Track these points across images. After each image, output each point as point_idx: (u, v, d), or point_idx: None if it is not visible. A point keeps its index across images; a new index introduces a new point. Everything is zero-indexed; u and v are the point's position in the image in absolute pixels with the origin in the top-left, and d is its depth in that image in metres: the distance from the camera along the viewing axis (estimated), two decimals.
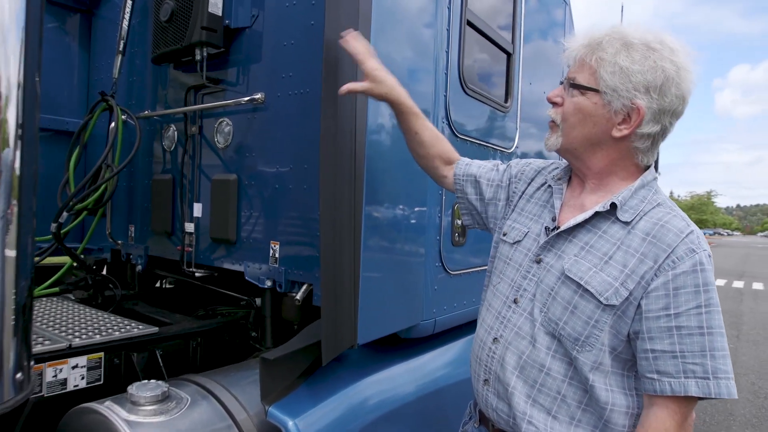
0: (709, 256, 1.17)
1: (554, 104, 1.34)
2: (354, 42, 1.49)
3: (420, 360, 2.02)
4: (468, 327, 2.37)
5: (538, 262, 1.33)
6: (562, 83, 1.34)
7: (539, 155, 2.94)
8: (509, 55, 2.50)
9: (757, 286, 17.51)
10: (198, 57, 2.34)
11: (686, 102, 1.23)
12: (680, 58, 1.19)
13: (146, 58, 2.88)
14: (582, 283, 1.21)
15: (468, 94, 2.13)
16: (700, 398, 1.13)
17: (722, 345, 1.13)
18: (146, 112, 2.82)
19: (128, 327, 1.99)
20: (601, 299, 1.19)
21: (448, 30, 1.97)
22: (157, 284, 3.20)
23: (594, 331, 1.20)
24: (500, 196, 1.58)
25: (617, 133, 1.24)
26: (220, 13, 2.32)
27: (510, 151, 2.54)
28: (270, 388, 1.55)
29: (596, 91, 1.24)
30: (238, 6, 2.35)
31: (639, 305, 1.17)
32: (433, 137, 1.65)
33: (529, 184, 1.53)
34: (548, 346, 1.26)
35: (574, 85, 1.27)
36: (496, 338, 1.36)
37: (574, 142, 1.30)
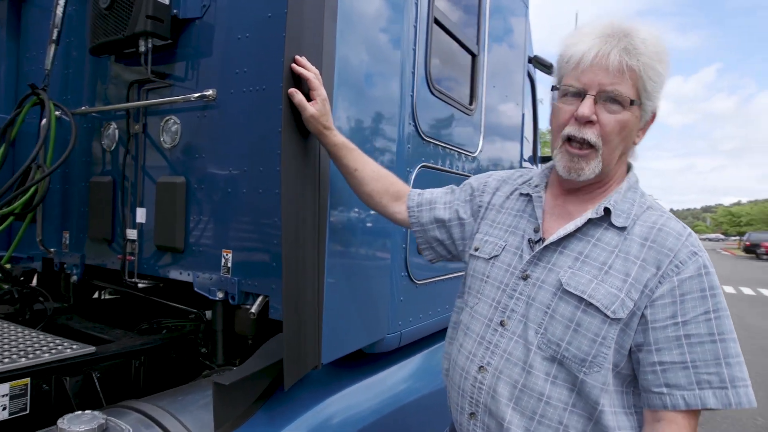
0: (707, 257, 1.12)
1: (587, 124, 1.15)
2: (308, 65, 1.37)
3: (385, 374, 1.91)
4: (432, 337, 2.28)
5: (525, 278, 1.22)
6: (581, 95, 1.15)
7: (502, 159, 2.90)
8: (474, 57, 2.44)
9: None
10: (142, 49, 2.14)
11: None
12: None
13: (83, 49, 2.65)
14: (585, 297, 1.11)
15: (435, 95, 2.04)
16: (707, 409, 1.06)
17: (736, 351, 1.07)
18: (83, 107, 2.59)
19: (60, 347, 1.77)
20: (608, 313, 1.09)
21: (415, 27, 1.87)
22: (95, 295, 2.94)
23: (602, 349, 1.10)
24: (463, 214, 1.46)
25: (638, 140, 1.18)
26: (167, 2, 2.14)
27: (474, 154, 2.47)
28: (224, 416, 1.39)
29: (638, 103, 1.13)
30: None
31: (643, 315, 1.10)
32: (376, 172, 1.51)
33: (493, 194, 1.43)
34: (547, 372, 1.14)
35: (619, 101, 1.12)
36: (482, 366, 1.22)
37: (612, 161, 1.18)
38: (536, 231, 1.26)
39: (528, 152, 3.65)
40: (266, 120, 1.94)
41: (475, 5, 2.44)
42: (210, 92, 2.08)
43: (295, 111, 1.39)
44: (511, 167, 3.06)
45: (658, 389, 1.08)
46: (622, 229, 1.15)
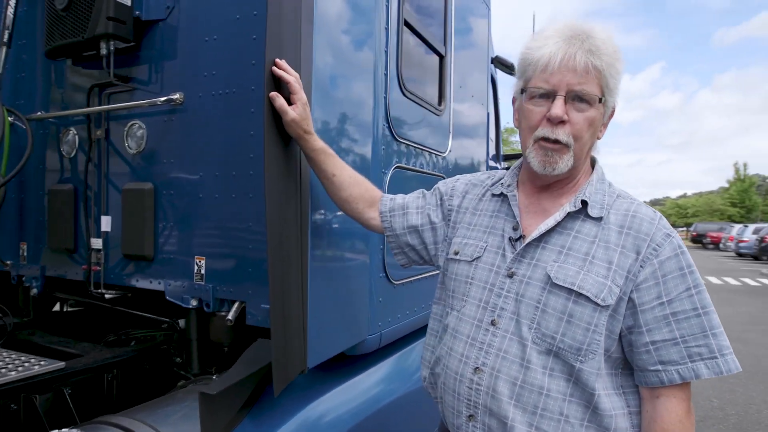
0: (680, 238, 1.19)
1: (559, 123, 1.19)
2: (289, 69, 1.36)
3: (368, 374, 1.91)
4: (410, 336, 2.30)
5: (511, 276, 1.24)
6: (550, 97, 1.19)
7: (470, 158, 2.95)
8: (441, 58, 2.47)
9: None
10: (104, 52, 2.07)
11: None
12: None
13: (37, 52, 2.54)
14: (575, 288, 1.15)
15: (406, 96, 2.06)
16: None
17: (717, 322, 1.14)
18: (38, 113, 2.48)
19: (27, 364, 1.69)
20: (598, 301, 1.14)
21: (386, 29, 1.88)
22: (56, 308, 2.82)
23: (595, 336, 1.15)
24: (435, 218, 1.49)
25: (601, 135, 1.24)
26: (129, 3, 2.07)
27: (444, 154, 2.50)
28: (212, 426, 1.35)
29: (602, 99, 1.19)
30: None
31: (630, 299, 1.16)
32: (353, 177, 1.51)
33: (463, 197, 1.46)
34: (544, 365, 1.18)
35: (586, 100, 1.17)
36: (477, 367, 1.23)
37: (582, 157, 1.24)
38: (515, 229, 1.29)
39: (492, 151, 3.72)
40: (238, 123, 1.91)
41: (441, 7, 2.47)
42: (177, 96, 2.04)
43: (276, 115, 1.37)
44: (478, 165, 3.11)
45: (653, 367, 1.14)
46: (599, 219, 1.21)
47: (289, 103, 1.36)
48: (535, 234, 1.23)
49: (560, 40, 1.18)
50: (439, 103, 2.45)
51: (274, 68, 1.32)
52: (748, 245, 25.79)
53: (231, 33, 1.94)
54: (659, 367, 1.14)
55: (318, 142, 1.42)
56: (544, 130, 1.20)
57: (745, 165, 55.26)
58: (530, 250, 1.24)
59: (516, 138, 18.97)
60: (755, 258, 24.73)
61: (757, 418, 5.10)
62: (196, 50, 2.03)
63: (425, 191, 1.57)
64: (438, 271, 2.51)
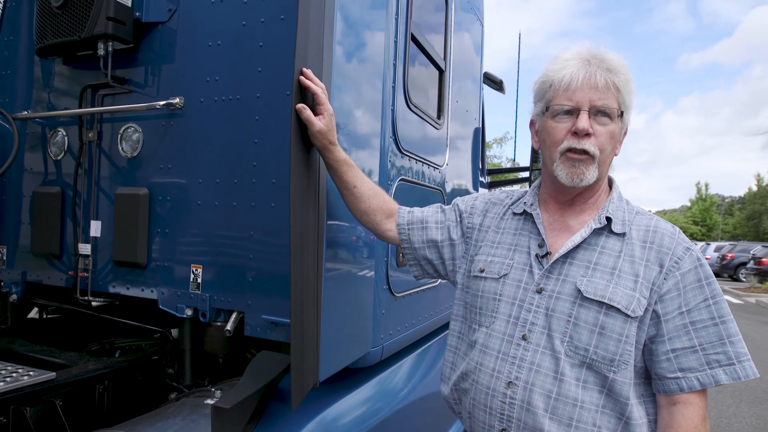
0: (698, 250, 1.25)
1: (586, 136, 1.24)
2: (315, 80, 1.34)
3: (370, 387, 1.89)
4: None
5: (540, 291, 1.27)
6: (573, 113, 1.25)
7: (463, 172, 2.97)
8: (441, 72, 2.49)
9: None
10: (101, 52, 2.02)
11: None
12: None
13: (26, 49, 2.45)
14: (606, 300, 1.19)
15: (411, 109, 2.06)
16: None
17: (735, 330, 1.19)
18: (24, 112, 2.40)
19: (15, 374, 1.61)
20: (629, 312, 1.18)
21: (395, 42, 1.89)
22: (33, 314, 2.71)
23: (626, 347, 1.19)
24: (454, 235, 1.50)
25: (618, 150, 1.29)
26: (129, 4, 2.03)
27: (442, 167, 2.51)
28: None
29: (622, 114, 1.25)
30: None
31: (654, 310, 1.20)
32: (373, 189, 1.51)
33: (484, 216, 1.49)
34: (578, 378, 1.20)
35: (607, 113, 1.24)
36: (510, 382, 1.24)
37: (604, 171, 1.29)
38: (541, 246, 1.31)
39: (479, 165, 3.76)
40: (241, 130, 1.88)
41: (442, 23, 2.50)
42: (177, 100, 2.00)
43: (301, 125, 1.35)
44: (469, 179, 3.14)
45: (673, 374, 1.18)
46: (622, 234, 1.26)
47: (315, 114, 1.34)
48: (562, 250, 1.26)
49: (579, 61, 1.26)
50: (438, 117, 2.47)
51: (302, 78, 1.31)
52: (710, 263, 26.68)
53: (236, 39, 1.91)
54: (679, 374, 1.17)
55: (341, 153, 1.41)
56: (571, 142, 1.25)
57: (706, 185, 57.43)
58: (557, 266, 1.27)
59: (491, 152, 19.24)
60: (717, 275, 25.59)
61: None
62: (199, 55, 1.99)
63: (443, 206, 1.57)
64: (436, 283, 2.53)
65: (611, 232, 1.27)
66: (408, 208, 1.58)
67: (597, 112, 1.24)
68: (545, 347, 1.24)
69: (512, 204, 1.45)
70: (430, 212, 1.55)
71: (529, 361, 1.24)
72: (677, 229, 1.28)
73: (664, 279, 1.20)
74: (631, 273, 1.22)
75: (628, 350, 1.19)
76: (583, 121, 1.23)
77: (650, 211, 1.41)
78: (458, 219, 1.52)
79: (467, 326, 1.41)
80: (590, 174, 1.26)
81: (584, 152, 1.24)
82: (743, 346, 1.18)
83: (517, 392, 1.24)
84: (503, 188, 3.33)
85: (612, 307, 1.19)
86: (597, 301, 1.20)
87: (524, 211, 1.39)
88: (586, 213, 1.32)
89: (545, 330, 1.24)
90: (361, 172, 1.47)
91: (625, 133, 1.34)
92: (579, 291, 1.22)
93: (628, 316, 1.18)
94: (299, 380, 1.22)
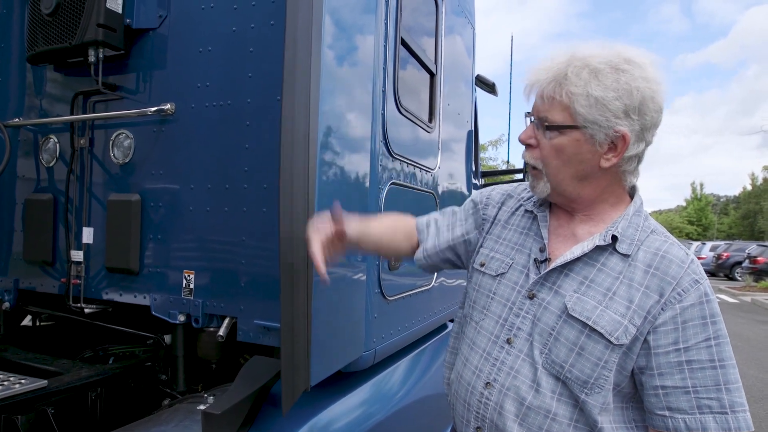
0: (709, 284, 1.15)
1: (528, 146, 1.21)
2: (318, 259, 1.22)
3: (363, 390, 1.89)
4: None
5: (531, 297, 1.22)
6: (531, 120, 1.20)
7: (456, 174, 2.98)
8: (432, 75, 2.50)
9: None
10: (92, 59, 2.02)
11: (663, 111, 1.16)
12: (650, 73, 1.12)
13: (16, 56, 2.45)
14: (589, 323, 1.13)
15: (401, 113, 2.07)
16: None
17: (735, 377, 1.10)
18: (16, 119, 2.39)
19: (7, 383, 1.61)
20: (612, 339, 1.11)
21: (385, 46, 1.90)
22: (26, 322, 2.70)
23: (603, 372, 1.12)
24: (465, 230, 1.45)
25: (606, 164, 1.15)
26: (120, 11, 2.03)
27: (433, 170, 2.52)
28: None
29: (575, 127, 1.14)
30: (141, 4, 2.08)
31: (645, 340, 1.12)
32: (393, 226, 1.49)
33: (499, 208, 1.41)
34: (553, 390, 1.16)
35: (550, 126, 1.15)
36: (488, 382, 1.22)
37: (563, 183, 1.19)
38: (542, 251, 1.26)
39: (473, 167, 3.77)
40: (232, 136, 1.89)
41: (432, 27, 2.51)
42: (168, 106, 2.00)
43: (288, 122, 1.36)
44: (463, 181, 3.15)
45: (660, 412, 1.11)
46: (626, 255, 1.17)
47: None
48: (559, 261, 1.20)
49: (539, 68, 1.18)
50: (430, 120, 2.48)
51: (313, 258, 1.21)
52: (706, 262, 26.71)
53: (227, 45, 1.92)
54: (666, 413, 1.10)
55: (356, 232, 1.34)
56: (523, 152, 1.23)
57: (701, 184, 57.62)
58: (553, 275, 1.21)
59: (486, 155, 19.29)
60: (712, 274, 25.61)
61: None
62: (189, 61, 2.00)
63: (456, 208, 1.54)
64: (429, 286, 2.53)
65: (616, 250, 1.18)
66: (424, 222, 1.52)
67: (540, 124, 1.17)
68: (527, 354, 1.20)
69: (527, 199, 1.38)
70: (443, 225, 1.50)
71: (509, 366, 1.21)
72: (691, 257, 1.15)
73: (662, 309, 1.11)
74: (625, 298, 1.13)
75: (605, 375, 1.12)
76: (522, 132, 1.20)
77: (647, 211, 1.29)
78: (472, 212, 1.46)
79: (464, 321, 1.39)
80: (540, 187, 1.22)
81: (527, 164, 1.22)
82: (741, 396, 1.09)
83: (493, 393, 1.21)
84: (468, 186, 3.31)
85: (595, 330, 1.12)
86: (581, 321, 1.14)
87: (532, 210, 1.33)
88: (593, 223, 1.24)
89: (530, 337, 1.21)
90: (381, 220, 1.48)
91: (624, 143, 1.13)
92: (566, 307, 1.17)
93: (610, 342, 1.11)
94: (290, 385, 1.22)
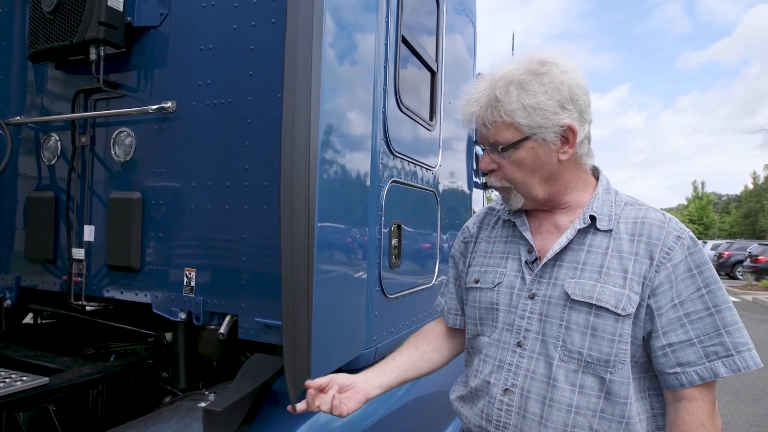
0: (692, 235, 1.20)
1: (490, 172, 1.29)
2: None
3: None
4: None
5: (532, 297, 1.26)
6: (484, 150, 1.30)
7: (456, 173, 2.98)
8: (433, 74, 2.50)
9: None
10: (93, 57, 2.02)
11: (588, 90, 1.25)
12: (565, 64, 1.21)
13: (17, 54, 2.46)
14: (593, 301, 1.17)
15: (402, 111, 2.07)
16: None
17: (733, 318, 1.14)
18: (18, 117, 2.40)
19: (8, 380, 1.61)
20: (618, 311, 1.15)
21: (386, 44, 1.90)
22: (27, 320, 2.71)
23: (621, 346, 1.16)
24: (458, 265, 1.53)
25: (564, 156, 1.23)
26: (120, 9, 2.03)
27: (434, 169, 2.52)
28: None
29: (526, 138, 1.21)
30: (142, 2, 2.08)
31: (648, 305, 1.16)
32: (426, 354, 1.51)
33: (480, 227, 1.48)
34: (573, 383, 1.18)
35: (505, 148, 1.23)
36: (507, 389, 1.24)
37: (533, 190, 1.26)
38: (530, 252, 1.31)
39: (473, 165, 3.78)
40: (233, 133, 1.89)
41: (433, 25, 2.51)
42: (169, 104, 2.00)
43: (289, 121, 1.36)
44: (463, 180, 3.15)
45: (672, 370, 1.15)
46: (608, 231, 1.23)
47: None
48: (549, 254, 1.25)
49: (472, 102, 1.25)
50: (431, 118, 2.48)
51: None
52: None
53: (228, 43, 1.92)
54: (677, 369, 1.14)
55: (389, 379, 1.39)
56: (487, 177, 1.31)
57: (702, 183, 57.46)
58: (548, 270, 1.26)
59: None
60: None
61: None
62: (190, 59, 2.00)
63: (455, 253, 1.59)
64: (430, 284, 2.54)
65: (597, 229, 1.24)
66: (446, 314, 1.56)
67: (494, 148, 1.25)
68: (539, 353, 1.23)
69: (504, 211, 1.43)
70: (451, 285, 1.57)
71: (525, 368, 1.24)
72: (668, 216, 1.23)
73: (656, 272, 1.16)
74: (619, 269, 1.18)
75: (623, 349, 1.16)
76: (482, 162, 1.29)
77: (615, 188, 1.34)
78: (464, 247, 1.51)
79: (472, 338, 1.41)
80: (514, 200, 1.30)
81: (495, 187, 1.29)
82: (743, 335, 1.14)
83: (514, 399, 1.23)
84: (470, 184, 3.35)
85: (601, 307, 1.16)
86: (585, 302, 1.18)
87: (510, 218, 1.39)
88: (571, 211, 1.30)
89: (539, 336, 1.24)
90: (416, 349, 1.49)
91: (573, 133, 1.20)
92: (567, 294, 1.20)
93: (618, 314, 1.16)
94: (293, 382, 1.23)
